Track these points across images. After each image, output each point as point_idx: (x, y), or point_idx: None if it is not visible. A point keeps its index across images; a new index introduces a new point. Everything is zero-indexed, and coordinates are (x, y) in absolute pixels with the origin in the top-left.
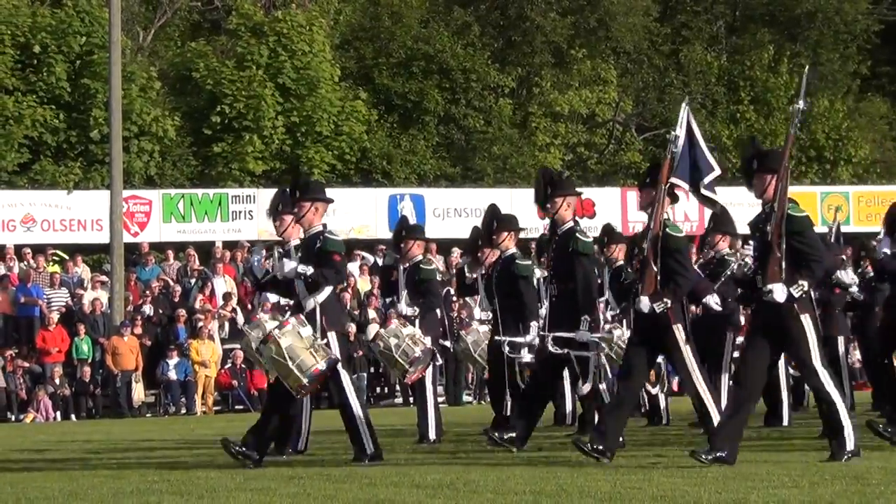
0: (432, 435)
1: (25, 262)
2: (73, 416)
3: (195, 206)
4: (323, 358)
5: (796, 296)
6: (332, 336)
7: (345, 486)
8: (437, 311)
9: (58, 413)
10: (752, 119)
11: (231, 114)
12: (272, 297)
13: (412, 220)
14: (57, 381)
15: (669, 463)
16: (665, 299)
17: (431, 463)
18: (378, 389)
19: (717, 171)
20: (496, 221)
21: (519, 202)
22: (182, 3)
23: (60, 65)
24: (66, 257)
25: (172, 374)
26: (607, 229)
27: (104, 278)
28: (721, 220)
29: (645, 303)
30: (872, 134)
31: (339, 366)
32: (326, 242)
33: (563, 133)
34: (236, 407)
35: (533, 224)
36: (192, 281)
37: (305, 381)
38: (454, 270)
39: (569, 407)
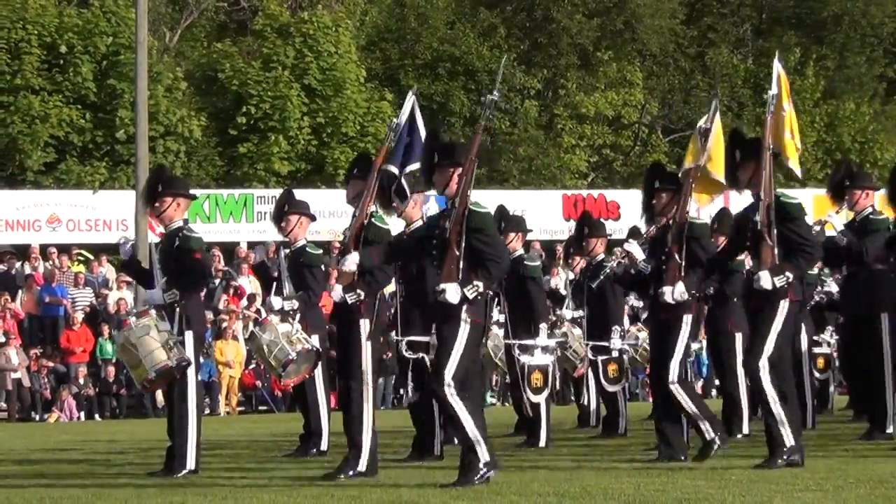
0: (324, 445)
1: (50, 262)
2: (97, 416)
3: (220, 206)
4: (175, 356)
5: (470, 297)
6: (188, 335)
7: (368, 487)
8: None
9: (82, 413)
10: None
11: (257, 114)
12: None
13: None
14: (81, 380)
15: (694, 465)
16: (358, 290)
17: (455, 465)
18: (401, 391)
19: (418, 165)
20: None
21: (544, 204)
22: (208, 4)
23: (87, 65)
24: (91, 257)
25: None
26: (633, 231)
27: (129, 278)
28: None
29: (337, 292)
30: None
31: (190, 370)
32: (187, 240)
33: (588, 135)
34: (260, 408)
35: (559, 227)
36: (217, 281)
37: (152, 375)
38: None
39: (592, 406)
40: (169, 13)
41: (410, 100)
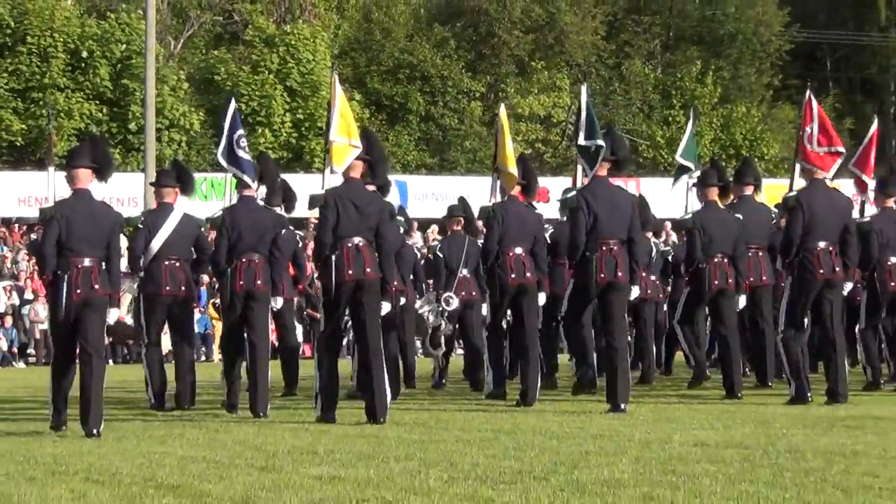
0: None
1: None
2: (110, 361)
3: (216, 187)
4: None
5: None
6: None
7: (337, 421)
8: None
9: (110, 359)
10: (682, 122)
11: (246, 111)
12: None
13: (396, 203)
14: None
15: (606, 408)
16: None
17: (410, 406)
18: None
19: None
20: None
21: (487, 189)
22: (207, 18)
23: (104, 67)
24: None
25: (194, 328)
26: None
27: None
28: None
29: None
30: (782, 136)
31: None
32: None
33: (524, 131)
34: None
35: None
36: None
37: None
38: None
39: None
40: (173, 25)
41: (232, 107)
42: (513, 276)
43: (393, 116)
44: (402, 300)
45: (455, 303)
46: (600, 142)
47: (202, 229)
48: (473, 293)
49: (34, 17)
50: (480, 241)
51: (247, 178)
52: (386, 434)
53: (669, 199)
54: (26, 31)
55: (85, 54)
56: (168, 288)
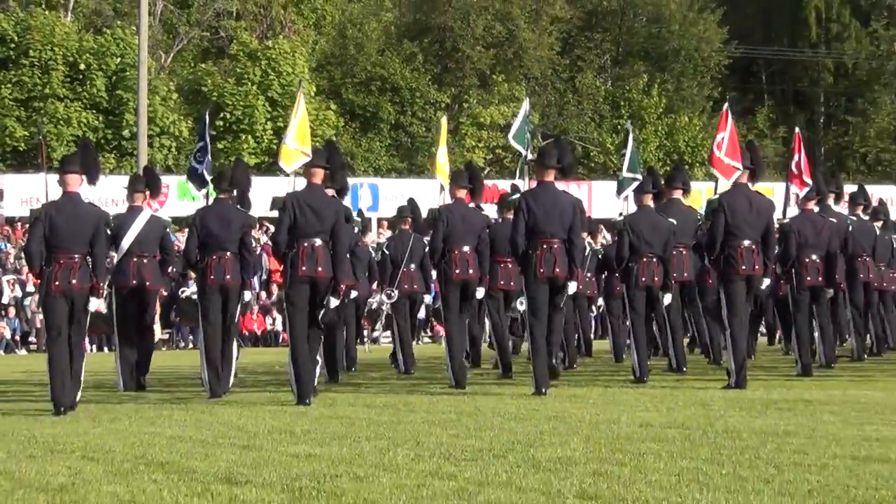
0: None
1: None
2: (105, 349)
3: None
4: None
5: None
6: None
7: (313, 404)
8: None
9: (93, 346)
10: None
11: (231, 119)
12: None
13: (369, 204)
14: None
15: (561, 392)
16: None
17: (379, 390)
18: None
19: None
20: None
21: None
22: (195, 33)
23: (100, 79)
24: None
25: (155, 318)
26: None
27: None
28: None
29: None
30: None
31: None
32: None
33: (485, 138)
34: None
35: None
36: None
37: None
38: None
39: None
40: (164, 40)
41: (205, 117)
42: (457, 271)
43: (366, 125)
44: (354, 293)
45: (395, 296)
46: (522, 150)
47: (167, 230)
48: (416, 286)
49: (36, 33)
50: (427, 239)
51: (195, 191)
52: (358, 416)
53: (617, 202)
54: (29, 46)
55: (83, 67)
56: (135, 281)
